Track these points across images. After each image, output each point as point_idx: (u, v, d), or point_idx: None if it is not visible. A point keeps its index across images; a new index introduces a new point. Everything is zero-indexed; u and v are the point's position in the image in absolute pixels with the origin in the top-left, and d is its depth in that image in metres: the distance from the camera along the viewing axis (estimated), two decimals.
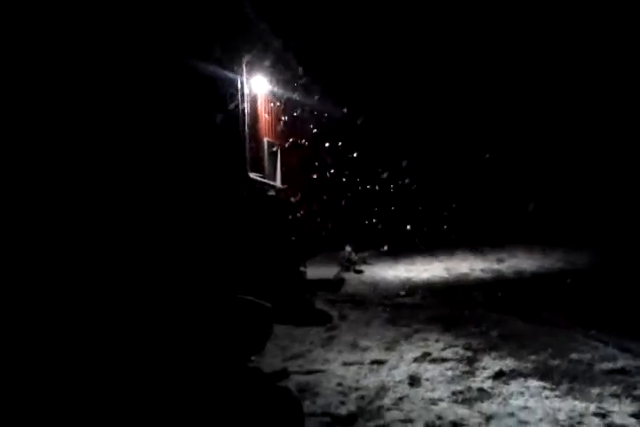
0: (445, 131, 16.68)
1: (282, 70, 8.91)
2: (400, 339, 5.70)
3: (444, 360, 4.96)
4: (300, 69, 9.01)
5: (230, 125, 6.95)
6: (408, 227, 15.70)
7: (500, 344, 5.41)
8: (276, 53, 8.60)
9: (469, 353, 5.13)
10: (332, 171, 12.80)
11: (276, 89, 8.91)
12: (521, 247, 13.00)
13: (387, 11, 14.20)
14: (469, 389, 4.23)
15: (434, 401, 4.01)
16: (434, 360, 4.98)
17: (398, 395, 4.15)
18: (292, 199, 7.18)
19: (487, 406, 3.89)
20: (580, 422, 3.60)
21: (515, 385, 4.27)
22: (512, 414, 3.74)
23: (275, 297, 6.46)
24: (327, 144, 11.90)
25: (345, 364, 4.92)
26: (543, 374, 4.49)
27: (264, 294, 6.56)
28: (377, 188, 15.38)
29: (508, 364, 4.77)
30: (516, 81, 16.67)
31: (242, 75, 7.16)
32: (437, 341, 5.58)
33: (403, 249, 13.34)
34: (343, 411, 3.85)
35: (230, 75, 6.91)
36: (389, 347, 5.43)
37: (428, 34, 15.42)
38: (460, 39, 16.04)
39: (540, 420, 3.65)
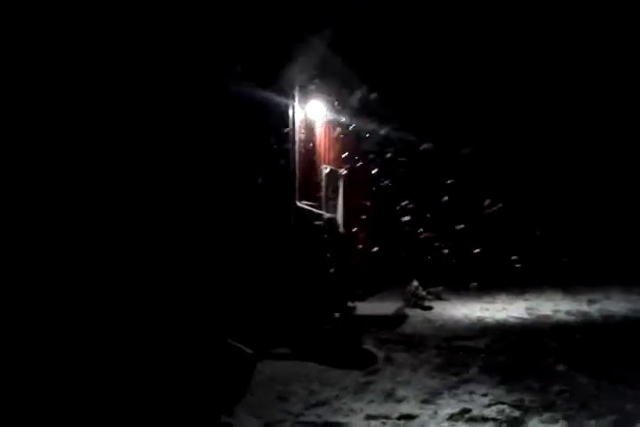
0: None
1: (344, 95, 8.62)
2: (443, 390, 5.08)
3: (484, 420, 4.32)
4: (363, 93, 8.68)
5: (280, 153, 6.74)
6: (496, 261, 14.74)
7: (558, 403, 4.66)
8: (338, 77, 8.34)
9: (517, 413, 4.44)
10: (406, 200, 12.27)
11: (338, 114, 8.64)
12: (618, 287, 11.73)
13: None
14: None
15: None
16: (472, 419, 4.34)
17: None
18: (342, 229, 6.77)
19: None
20: None
21: None
22: None
23: (315, 335, 6.09)
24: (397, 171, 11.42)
25: (369, 417, 4.40)
26: None
27: (305, 331, 6.22)
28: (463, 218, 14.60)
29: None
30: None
31: (293, 99, 6.95)
32: (485, 395, 4.92)
33: (488, 285, 12.40)
34: None
35: (280, 100, 6.72)
36: (427, 399, 4.84)
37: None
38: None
39: None
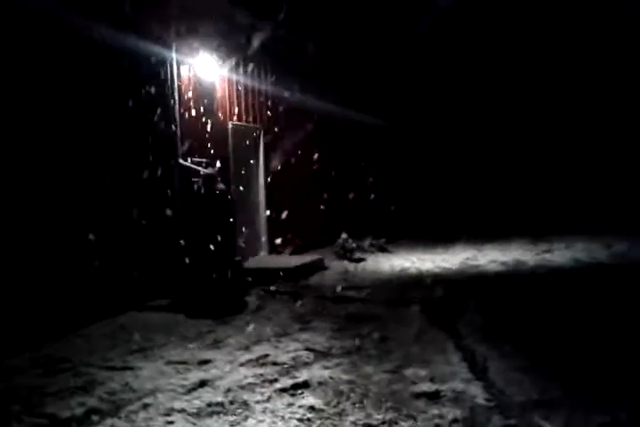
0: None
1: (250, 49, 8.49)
2: (272, 338, 5.23)
3: (273, 364, 4.46)
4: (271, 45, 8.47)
5: (157, 109, 6.78)
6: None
7: (363, 350, 4.77)
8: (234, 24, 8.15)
9: (310, 358, 4.57)
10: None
11: (242, 70, 8.56)
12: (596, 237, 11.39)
13: None
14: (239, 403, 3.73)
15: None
16: (263, 364, 4.49)
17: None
18: (222, 186, 6.85)
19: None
20: None
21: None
22: None
23: (196, 288, 6.32)
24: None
25: (169, 362, 4.62)
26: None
27: (187, 285, 6.45)
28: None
29: (330, 374, 4.18)
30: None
31: (171, 49, 6.86)
32: (305, 341, 5.05)
33: (449, 239, 12.31)
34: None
35: (154, 49, 6.63)
36: (247, 346, 5.00)
37: None
38: None
39: None
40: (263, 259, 8.69)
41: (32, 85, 5.23)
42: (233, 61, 8.17)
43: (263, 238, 9.17)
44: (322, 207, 10.64)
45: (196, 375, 4.23)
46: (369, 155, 12.94)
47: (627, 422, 3.17)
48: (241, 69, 8.57)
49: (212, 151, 7.61)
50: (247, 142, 8.84)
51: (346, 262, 9.37)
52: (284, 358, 4.59)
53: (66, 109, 5.59)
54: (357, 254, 9.74)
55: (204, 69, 7.53)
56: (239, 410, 3.57)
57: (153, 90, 6.63)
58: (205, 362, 4.58)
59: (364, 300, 6.74)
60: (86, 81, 5.81)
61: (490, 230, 13.23)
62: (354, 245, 9.70)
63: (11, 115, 5.02)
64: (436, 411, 3.42)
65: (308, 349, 4.81)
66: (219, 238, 6.49)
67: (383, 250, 10.69)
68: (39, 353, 4.84)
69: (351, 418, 3.38)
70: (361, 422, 3.31)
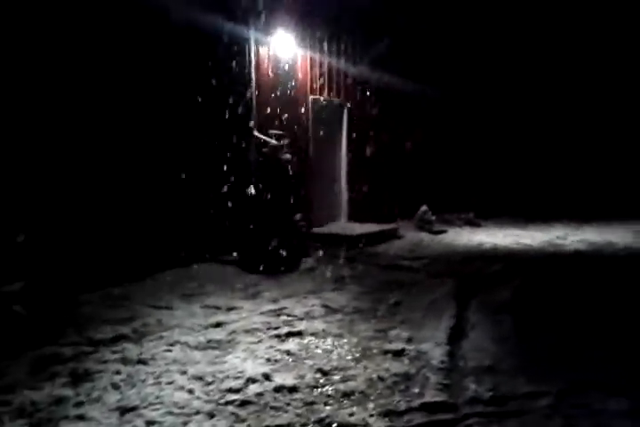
0: None
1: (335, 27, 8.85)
2: (301, 296, 5.77)
3: (288, 315, 5.04)
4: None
5: (237, 83, 7.49)
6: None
7: (368, 310, 5.19)
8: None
9: (320, 313, 5.08)
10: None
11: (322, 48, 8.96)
12: None
13: None
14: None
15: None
16: (278, 315, 5.09)
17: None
18: (289, 156, 7.43)
19: None
20: None
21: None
22: None
23: (263, 248, 7.07)
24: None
25: (204, 307, 5.37)
26: None
27: (255, 245, 7.21)
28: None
29: (325, 327, 4.68)
30: None
31: (254, 27, 7.42)
32: (327, 300, 5.54)
33: (548, 218, 11.92)
34: None
35: (237, 28, 7.28)
36: (277, 299, 5.63)
37: None
38: None
39: None
40: (339, 225, 9.21)
41: (143, 63, 6.26)
42: (313, 38, 8.63)
43: (343, 207, 9.68)
44: (403, 179, 10.89)
45: (217, 318, 4.93)
46: (453, 128, 12.66)
47: (554, 394, 3.32)
48: (321, 46, 9.00)
49: (290, 124, 8.21)
50: (329, 116, 9.30)
51: (423, 234, 9.59)
52: (298, 311, 5.14)
53: (166, 85, 6.58)
54: (437, 227, 9.89)
55: (283, 46, 8.08)
56: (228, 348, 4.21)
57: (234, 66, 7.34)
58: (233, 308, 5.28)
59: (412, 269, 7.06)
60: (164, 59, 6.66)
61: (592, 211, 12.46)
62: (433, 217, 9.86)
63: (125, 91, 6.05)
64: (387, 365, 3.81)
65: (324, 306, 5.31)
66: (279, 204, 7.14)
67: (472, 224, 10.71)
68: (112, 291, 5.83)
69: (310, 362, 3.88)
70: (316, 367, 3.79)
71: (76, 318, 4.93)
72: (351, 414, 3.10)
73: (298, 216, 7.51)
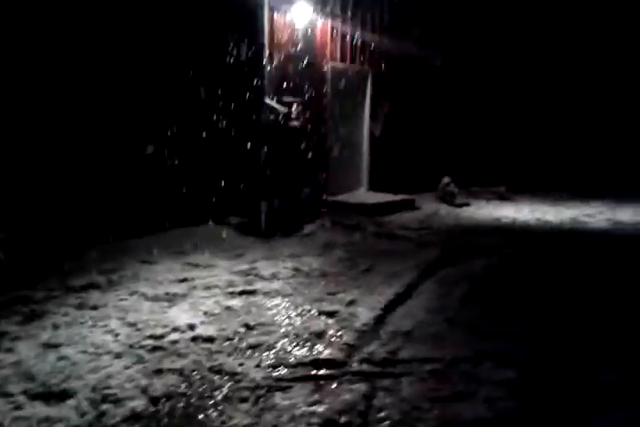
0: None
1: None
2: (281, 258, 6.01)
3: (258, 276, 5.30)
4: None
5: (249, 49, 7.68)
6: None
7: (338, 275, 5.36)
8: None
9: (287, 275, 5.32)
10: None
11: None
12: None
13: None
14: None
15: None
16: (247, 275, 5.37)
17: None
18: (296, 123, 7.56)
19: None
20: None
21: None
22: None
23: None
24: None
25: (185, 264, 5.72)
26: None
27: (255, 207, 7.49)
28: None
29: (280, 287, 4.91)
30: None
31: None
32: (303, 263, 5.75)
33: (589, 195, 11.36)
34: None
35: None
36: (252, 261, 5.89)
37: None
38: None
39: None
40: (356, 195, 9.30)
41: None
42: (330, 5, 8.63)
43: (364, 176, 9.72)
44: (430, 150, 10.76)
45: (188, 274, 5.27)
46: (482, 97, 12.11)
47: (447, 361, 3.41)
48: (340, 12, 8.95)
49: (306, 90, 8.31)
50: (350, 84, 9.29)
51: (444, 206, 9.50)
52: (266, 272, 5.40)
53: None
54: (461, 200, 9.76)
55: (300, 13, 8.11)
56: (179, 301, 4.53)
57: (246, 32, 7.51)
58: (209, 266, 5.60)
59: (407, 238, 7.12)
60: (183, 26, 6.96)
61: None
62: (456, 189, 9.72)
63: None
64: (311, 323, 4.00)
65: (295, 269, 5.54)
66: (283, 169, 7.35)
67: (503, 198, 10.48)
68: (112, 246, 6.27)
69: (242, 318, 4.13)
70: (244, 322, 4.04)
71: (62, 268, 5.39)
72: (241, 364, 3.33)
73: (306, 183, 7.69)
